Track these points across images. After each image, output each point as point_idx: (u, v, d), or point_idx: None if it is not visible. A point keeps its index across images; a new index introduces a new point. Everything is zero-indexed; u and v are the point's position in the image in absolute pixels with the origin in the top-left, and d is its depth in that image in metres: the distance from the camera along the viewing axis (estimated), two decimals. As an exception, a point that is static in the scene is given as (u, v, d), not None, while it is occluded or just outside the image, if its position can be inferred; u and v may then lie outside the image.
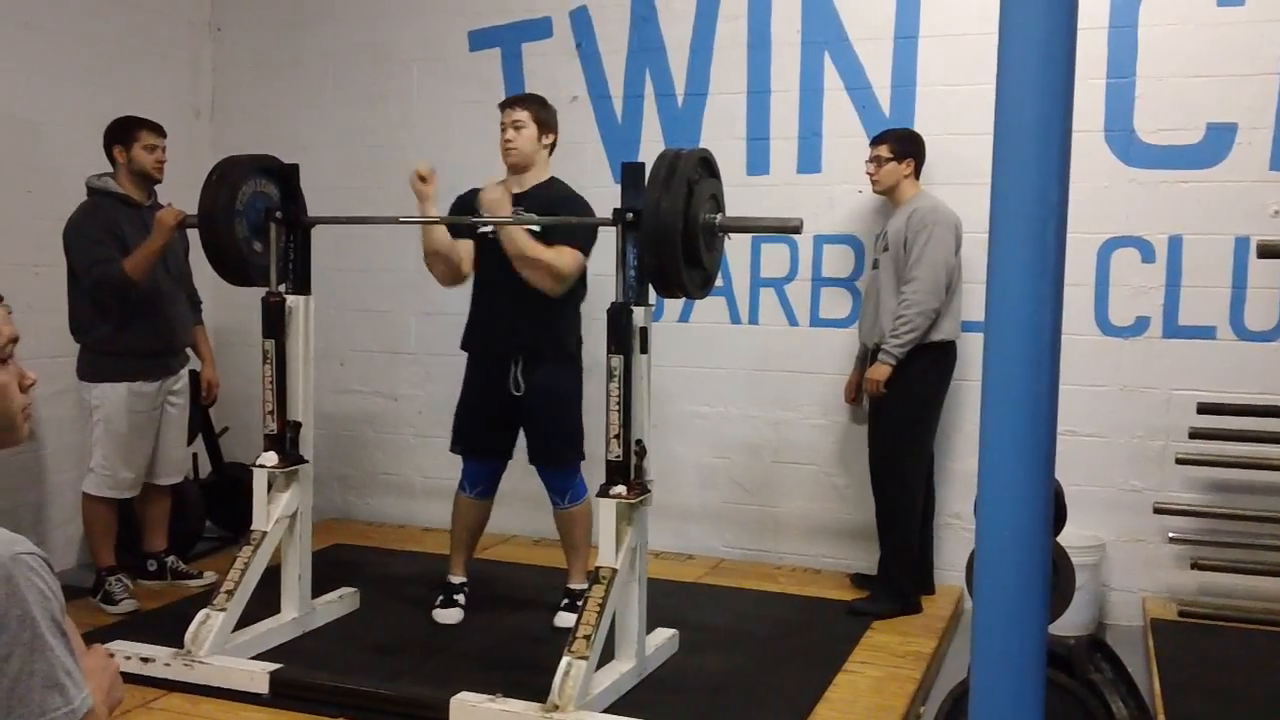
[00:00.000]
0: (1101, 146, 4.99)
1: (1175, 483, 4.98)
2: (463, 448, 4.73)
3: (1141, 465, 5.04)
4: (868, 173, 5.00)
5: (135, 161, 4.85)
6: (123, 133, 4.87)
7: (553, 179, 4.62)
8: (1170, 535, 4.90)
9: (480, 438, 4.68)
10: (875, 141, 5.01)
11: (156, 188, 4.99)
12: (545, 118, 4.57)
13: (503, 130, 4.54)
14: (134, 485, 4.94)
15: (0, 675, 1.51)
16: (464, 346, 4.71)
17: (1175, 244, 4.95)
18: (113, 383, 4.81)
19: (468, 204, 4.62)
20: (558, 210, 4.45)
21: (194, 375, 5.30)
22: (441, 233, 4.53)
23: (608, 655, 3.95)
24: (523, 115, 4.51)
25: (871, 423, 5.03)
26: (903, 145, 4.94)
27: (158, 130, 4.92)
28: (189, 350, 5.23)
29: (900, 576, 4.91)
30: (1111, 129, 4.99)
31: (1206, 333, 4.94)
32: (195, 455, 5.70)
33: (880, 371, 4.80)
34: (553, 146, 4.62)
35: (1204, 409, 4.79)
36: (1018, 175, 1.67)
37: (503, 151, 4.55)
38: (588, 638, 3.67)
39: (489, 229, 4.47)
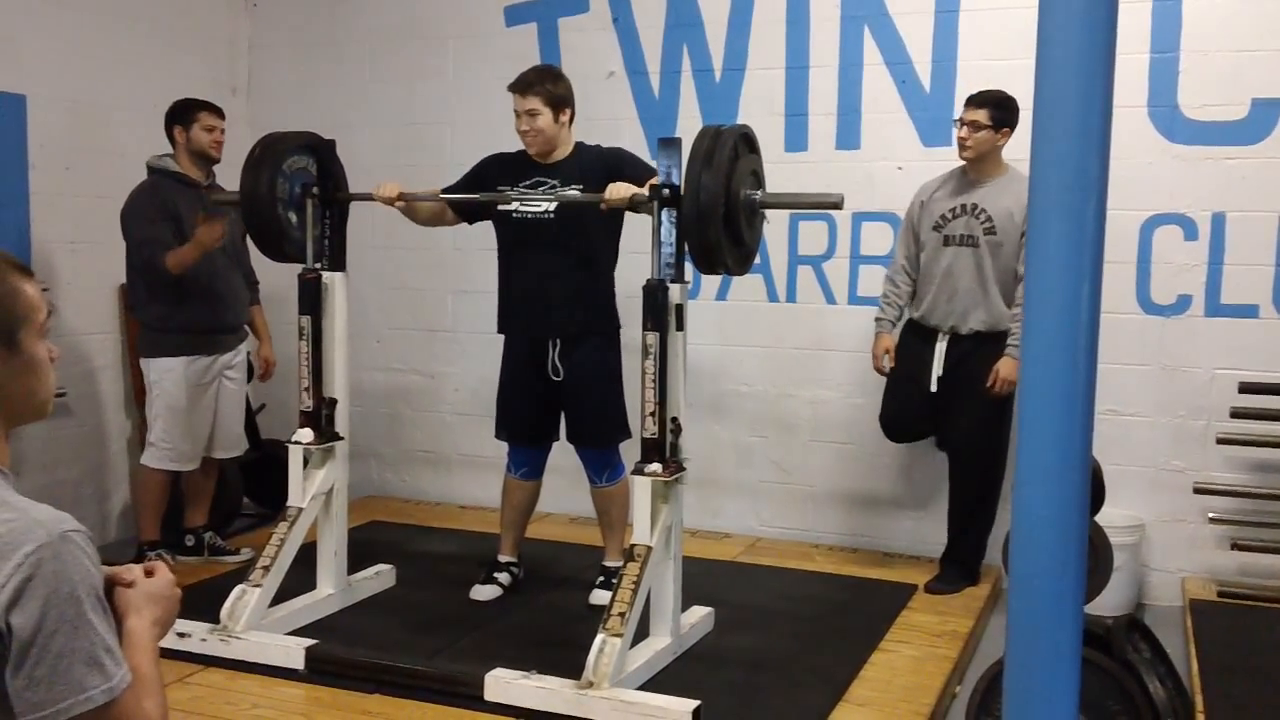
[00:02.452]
0: (1144, 122, 4.92)
1: (1216, 463, 4.92)
2: (507, 434, 4.70)
3: (1183, 445, 4.99)
4: (960, 137, 4.65)
5: (194, 141, 4.93)
6: (183, 114, 4.96)
7: (579, 145, 4.52)
8: (1210, 515, 4.85)
9: (523, 423, 4.65)
10: (973, 104, 4.63)
11: (215, 168, 5.06)
12: (557, 96, 4.39)
13: (518, 118, 4.41)
14: (194, 457, 5.03)
15: (44, 652, 1.53)
16: (501, 330, 4.66)
17: (1218, 221, 4.88)
18: (169, 358, 4.90)
19: (483, 174, 4.55)
20: (603, 167, 4.32)
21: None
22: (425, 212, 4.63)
23: (643, 633, 3.96)
24: (535, 103, 4.35)
25: (961, 405, 4.76)
26: (1003, 113, 4.58)
27: (217, 111, 5.01)
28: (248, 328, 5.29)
29: (973, 556, 4.91)
30: (1155, 104, 4.91)
31: (1249, 311, 4.86)
32: (233, 432, 5.74)
33: (1015, 368, 4.51)
34: (572, 117, 4.47)
35: (1246, 388, 4.75)
36: (1057, 150, 1.65)
37: (523, 141, 4.46)
38: (623, 615, 3.67)
39: (513, 208, 4.44)
